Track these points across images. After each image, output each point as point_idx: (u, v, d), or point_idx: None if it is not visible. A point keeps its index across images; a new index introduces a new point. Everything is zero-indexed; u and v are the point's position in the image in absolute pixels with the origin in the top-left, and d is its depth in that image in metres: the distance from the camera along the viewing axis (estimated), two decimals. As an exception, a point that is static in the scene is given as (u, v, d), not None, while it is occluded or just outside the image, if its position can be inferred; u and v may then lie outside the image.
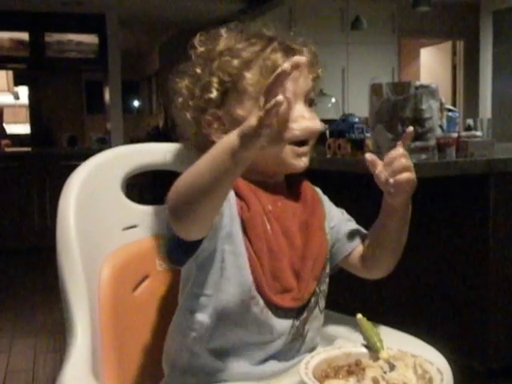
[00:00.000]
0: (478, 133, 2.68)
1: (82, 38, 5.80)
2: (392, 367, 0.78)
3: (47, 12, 5.55)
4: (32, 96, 6.14)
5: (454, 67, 6.79)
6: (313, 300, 0.96)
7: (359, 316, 0.88)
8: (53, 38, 5.70)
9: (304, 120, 0.92)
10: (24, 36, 5.61)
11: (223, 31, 0.98)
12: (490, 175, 1.90)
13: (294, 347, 0.95)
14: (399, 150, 0.87)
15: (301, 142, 0.94)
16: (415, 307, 2.30)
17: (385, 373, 0.78)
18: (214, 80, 0.93)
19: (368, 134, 2.57)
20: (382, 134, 2.41)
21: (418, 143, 2.28)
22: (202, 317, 0.91)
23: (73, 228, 0.99)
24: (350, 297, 2.56)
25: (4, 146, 5.94)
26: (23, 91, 6.30)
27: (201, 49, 0.98)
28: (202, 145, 0.97)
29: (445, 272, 2.16)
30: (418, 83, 2.42)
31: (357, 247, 1.03)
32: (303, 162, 0.96)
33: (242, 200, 0.91)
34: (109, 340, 1.00)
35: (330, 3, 5.71)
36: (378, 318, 0.99)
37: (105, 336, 1.00)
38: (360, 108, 3.81)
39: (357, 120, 2.80)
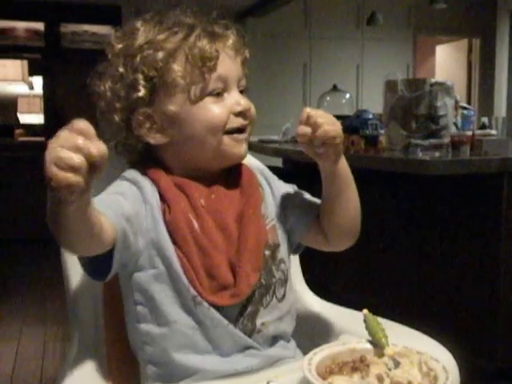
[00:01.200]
0: (493, 131, 2.66)
1: (97, 29, 5.80)
2: (397, 364, 0.78)
3: (63, 2, 5.56)
4: (46, 86, 6.14)
5: (469, 65, 6.72)
6: (257, 292, 0.91)
7: (365, 311, 0.87)
8: (68, 28, 5.71)
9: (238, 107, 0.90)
10: (39, 26, 5.62)
11: (139, 24, 0.92)
12: (504, 174, 1.88)
13: (257, 341, 0.91)
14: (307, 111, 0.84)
15: (239, 130, 0.92)
16: (424, 305, 2.28)
17: (389, 370, 0.77)
18: (140, 77, 0.88)
19: (382, 131, 2.56)
20: (395, 131, 2.39)
21: (432, 140, 2.27)
22: (150, 327, 0.89)
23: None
24: (359, 292, 2.55)
25: (17, 135, 5.97)
26: (38, 81, 6.32)
27: (119, 46, 0.92)
28: (133, 148, 0.93)
29: (455, 269, 2.14)
30: (433, 80, 2.40)
31: (313, 221, 0.98)
32: (243, 149, 0.93)
33: (165, 202, 0.88)
34: (112, 329, 1.00)
35: (346, -1, 5.69)
36: (386, 315, 0.98)
37: (108, 325, 1.00)
38: (374, 104, 3.79)
39: (371, 116, 2.79)
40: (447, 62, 7.15)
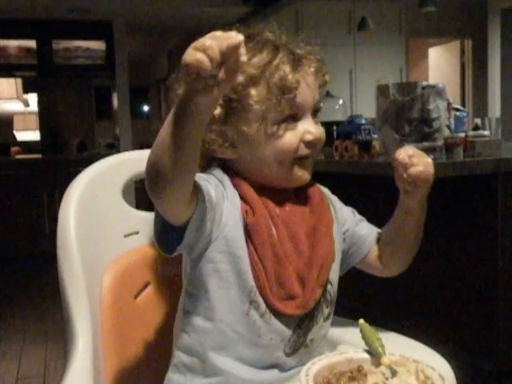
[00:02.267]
0: (486, 132, 2.66)
1: (89, 44, 5.83)
2: (394, 373, 0.78)
3: (54, 19, 5.59)
4: (41, 103, 6.17)
5: (462, 66, 6.75)
6: (316, 308, 0.94)
7: (361, 321, 0.87)
8: (60, 45, 5.74)
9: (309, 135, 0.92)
10: (32, 44, 5.65)
11: None
12: (498, 174, 1.88)
13: (299, 357, 0.93)
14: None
15: (305, 157, 0.93)
16: (425, 309, 2.28)
17: (386, 379, 0.77)
18: None
19: (375, 136, 2.56)
20: (389, 135, 2.39)
21: (425, 143, 2.26)
22: (195, 318, 0.91)
23: (73, 236, 1.00)
24: (357, 301, 2.55)
25: (14, 153, 5.98)
26: (33, 98, 6.34)
27: None
28: (205, 161, 0.95)
29: (454, 272, 2.14)
30: (424, 83, 2.40)
31: (372, 248, 1.02)
32: (308, 174, 0.96)
33: (247, 204, 0.90)
34: (111, 348, 1.00)
35: (337, 5, 5.71)
36: (384, 323, 0.98)
37: (106, 343, 1.00)
38: (368, 109, 3.80)
39: (363, 121, 2.79)
40: (440, 64, 7.17)
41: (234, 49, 0.65)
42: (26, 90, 6.35)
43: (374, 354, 0.82)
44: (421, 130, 2.33)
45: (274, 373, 0.92)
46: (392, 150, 2.34)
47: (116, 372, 1.00)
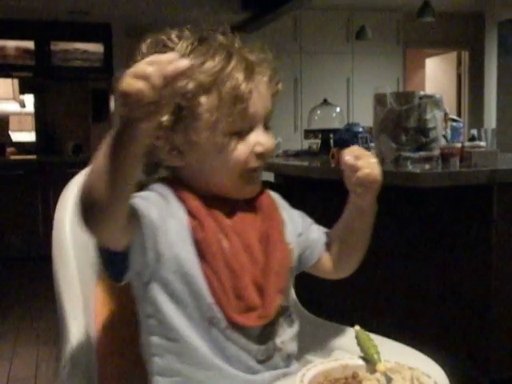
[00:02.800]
0: (482, 143, 2.68)
1: (87, 46, 5.83)
2: (389, 380, 0.77)
3: (53, 21, 5.58)
4: (38, 104, 6.15)
5: (459, 77, 6.79)
6: (278, 314, 0.92)
7: (357, 327, 0.86)
8: (58, 46, 5.73)
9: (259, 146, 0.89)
10: (30, 45, 5.64)
11: (175, 37, 0.90)
12: (494, 185, 1.89)
13: (276, 361, 0.91)
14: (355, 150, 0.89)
15: (254, 170, 0.91)
16: (417, 318, 2.28)
17: (382, 386, 0.77)
18: None
19: (372, 144, 2.57)
20: (385, 144, 2.40)
21: (421, 153, 2.28)
22: (162, 341, 0.87)
23: (69, 238, 0.99)
24: (350, 307, 2.55)
25: (9, 153, 5.96)
26: (29, 99, 6.32)
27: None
28: (151, 170, 0.92)
29: (447, 282, 2.14)
30: (422, 93, 2.42)
31: (325, 251, 1.00)
32: (258, 185, 0.94)
33: (195, 219, 0.87)
34: (105, 351, 1.00)
35: (336, 13, 5.74)
36: (379, 330, 0.98)
37: (101, 347, 0.99)
38: (365, 118, 3.82)
39: (360, 129, 2.80)
40: (437, 74, 7.21)
41: (179, 75, 0.63)
42: (23, 91, 6.33)
43: (370, 361, 0.82)
44: (417, 140, 2.34)
45: (254, 377, 0.89)
46: (389, 159, 2.35)
47: (110, 376, 0.99)
